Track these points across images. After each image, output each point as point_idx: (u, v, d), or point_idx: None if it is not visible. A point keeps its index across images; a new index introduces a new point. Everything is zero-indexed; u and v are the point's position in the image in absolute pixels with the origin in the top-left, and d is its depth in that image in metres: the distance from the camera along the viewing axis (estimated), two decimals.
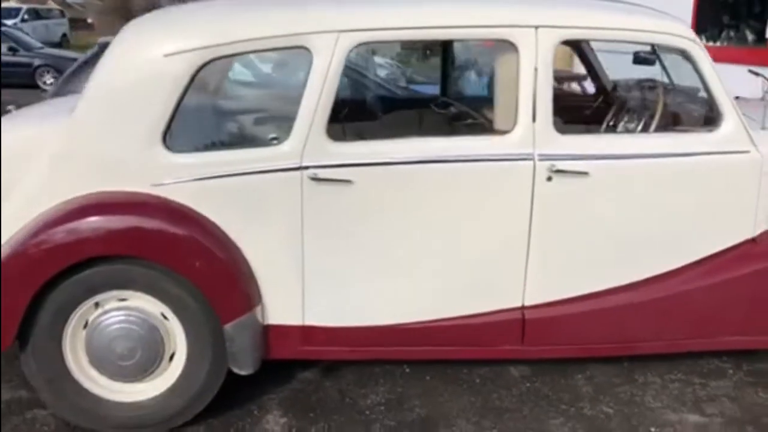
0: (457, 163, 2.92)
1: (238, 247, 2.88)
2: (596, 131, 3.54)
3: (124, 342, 2.87)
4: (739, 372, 3.52)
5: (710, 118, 3.14)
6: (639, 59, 3.49)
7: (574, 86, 6.77)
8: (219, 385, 2.98)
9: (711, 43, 8.74)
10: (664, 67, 3.63)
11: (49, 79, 14.81)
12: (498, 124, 3.03)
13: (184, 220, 2.84)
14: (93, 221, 2.79)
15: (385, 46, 9.63)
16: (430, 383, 3.39)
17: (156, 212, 2.83)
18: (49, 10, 27.36)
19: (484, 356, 3.25)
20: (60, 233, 2.77)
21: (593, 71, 4.27)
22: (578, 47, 4.18)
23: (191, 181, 2.84)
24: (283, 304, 2.97)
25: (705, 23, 8.96)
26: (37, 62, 15.70)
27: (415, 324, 3.02)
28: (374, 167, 2.87)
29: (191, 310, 2.86)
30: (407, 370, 3.49)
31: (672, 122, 3.29)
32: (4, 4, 23.15)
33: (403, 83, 8.17)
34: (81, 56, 14.99)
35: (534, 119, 2.91)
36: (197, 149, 2.97)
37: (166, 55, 2.78)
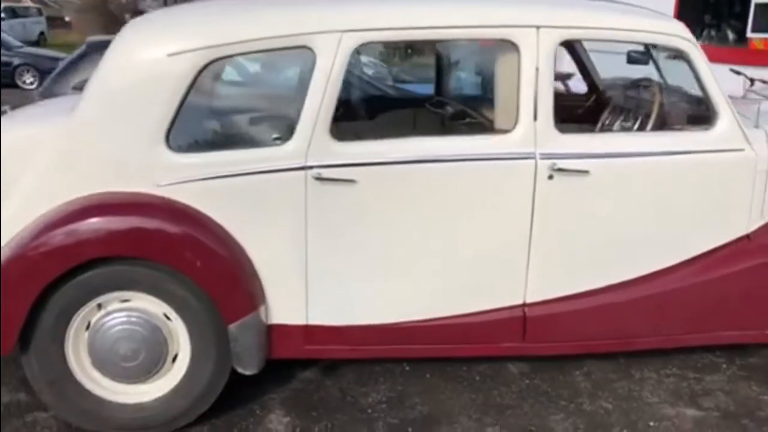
0: (459, 162, 2.94)
1: (242, 247, 2.88)
2: (591, 130, 3.58)
3: (127, 343, 2.86)
4: (733, 366, 3.58)
5: (706, 117, 3.19)
6: (633, 59, 3.54)
7: (558, 85, 6.84)
8: (222, 386, 2.97)
9: None
10: (657, 67, 3.69)
11: (29, 78, 14.63)
12: (499, 124, 3.06)
13: (187, 220, 2.83)
14: (95, 222, 2.77)
15: (370, 46, 9.63)
16: (430, 381, 3.41)
17: (159, 213, 2.82)
18: (26, 8, 27.04)
19: (486, 354, 3.28)
20: (61, 235, 2.75)
21: (585, 70, 4.31)
22: (571, 47, 4.22)
23: (194, 181, 2.83)
24: (287, 304, 2.97)
25: (686, 22, 9.03)
26: (16, 61, 15.49)
27: (419, 322, 3.04)
28: (378, 167, 2.88)
29: (195, 311, 2.86)
30: (407, 368, 3.51)
31: (668, 121, 3.34)
32: None
33: (390, 82, 8.18)
34: (64, 56, 14.88)
35: (535, 118, 2.94)
36: (200, 149, 2.96)
37: (169, 55, 2.78)
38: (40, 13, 27.29)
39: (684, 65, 3.17)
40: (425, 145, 2.96)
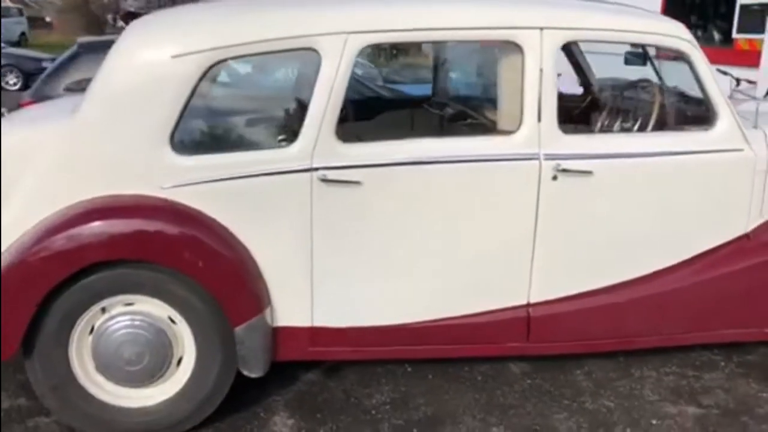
0: (464, 163, 2.95)
1: (247, 249, 2.87)
2: (590, 131, 3.60)
3: (131, 347, 2.84)
4: (731, 364, 3.62)
5: (705, 117, 3.22)
6: (630, 60, 3.57)
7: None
8: (228, 389, 2.96)
9: None
10: (654, 68, 3.72)
11: (12, 79, 14.46)
12: (502, 125, 3.07)
13: (192, 222, 2.82)
14: (97, 226, 2.75)
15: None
16: (433, 382, 3.41)
17: (163, 215, 2.81)
18: (7, 8, 26.73)
19: (490, 354, 3.29)
20: (63, 240, 2.72)
21: (581, 71, 4.33)
22: (567, 47, 4.24)
23: (199, 183, 2.82)
24: (292, 305, 2.97)
25: None
26: None
27: (424, 323, 3.05)
28: (383, 168, 2.88)
29: (200, 314, 2.84)
30: (409, 369, 3.51)
31: (668, 121, 3.37)
32: None
33: (380, 83, 8.18)
34: (47, 56, 14.73)
35: (539, 119, 2.96)
36: (205, 151, 2.94)
37: (173, 57, 2.76)
38: (21, 13, 27.01)
39: (679, 66, 3.20)
40: (430, 147, 2.97)
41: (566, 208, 3.04)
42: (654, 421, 3.14)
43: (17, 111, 3.68)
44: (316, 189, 2.85)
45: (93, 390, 2.89)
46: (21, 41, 24.55)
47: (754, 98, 4.90)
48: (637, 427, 3.09)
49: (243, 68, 4.08)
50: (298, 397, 3.28)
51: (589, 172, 3.00)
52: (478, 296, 3.08)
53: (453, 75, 4.32)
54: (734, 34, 8.66)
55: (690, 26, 9.67)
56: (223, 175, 2.82)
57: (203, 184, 2.82)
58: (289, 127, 2.90)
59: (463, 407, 3.22)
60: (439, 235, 3.00)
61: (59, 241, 2.73)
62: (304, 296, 2.96)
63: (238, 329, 2.84)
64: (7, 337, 2.72)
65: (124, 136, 2.80)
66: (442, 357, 3.37)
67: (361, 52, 2.89)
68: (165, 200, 2.82)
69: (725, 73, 5.02)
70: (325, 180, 2.84)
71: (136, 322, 2.85)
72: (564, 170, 2.98)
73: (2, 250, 2.82)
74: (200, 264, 2.78)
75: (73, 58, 6.20)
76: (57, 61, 6.44)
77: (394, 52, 18.62)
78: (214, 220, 2.84)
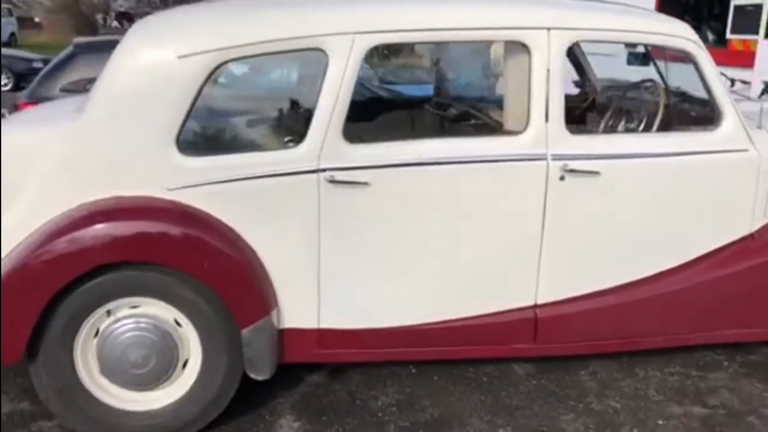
0: (471, 163, 2.94)
1: (254, 250, 2.85)
2: (597, 131, 3.60)
3: (136, 350, 2.81)
4: (734, 364, 3.62)
5: (710, 118, 3.23)
6: (633, 60, 3.57)
7: None
8: (234, 391, 2.94)
9: None
10: (657, 68, 3.72)
11: (3, 79, 14.35)
12: (510, 125, 3.07)
13: (198, 223, 2.79)
14: (102, 228, 2.72)
15: None
16: (438, 383, 3.40)
17: (169, 216, 2.78)
18: None
19: (497, 355, 3.28)
20: (68, 242, 2.69)
21: (583, 72, 4.33)
22: (569, 48, 4.23)
23: (206, 184, 2.79)
24: (299, 307, 2.95)
25: None
26: None
27: (431, 324, 3.03)
28: (391, 169, 2.87)
29: (206, 316, 2.82)
30: (413, 370, 3.50)
31: (672, 122, 3.37)
32: None
33: (376, 83, 8.17)
34: (37, 57, 14.62)
35: (546, 120, 2.95)
36: (211, 152, 2.91)
37: (179, 57, 2.73)
38: (10, 13, 26.79)
39: (683, 67, 3.20)
40: (438, 147, 2.96)
41: (573, 208, 3.03)
42: (660, 422, 3.14)
43: (18, 113, 3.63)
44: (324, 190, 2.83)
45: (98, 393, 2.86)
46: (11, 42, 24.38)
47: (748, 99, 4.93)
48: (644, 427, 3.09)
49: (250, 68, 4.06)
50: (304, 399, 3.26)
51: (596, 173, 3.00)
52: (485, 297, 3.07)
53: (455, 75, 4.31)
54: (728, 35, 8.70)
55: None
56: (230, 177, 2.80)
57: (209, 186, 2.80)
58: (296, 128, 2.88)
59: (469, 409, 3.21)
60: (446, 236, 2.99)
61: (64, 243, 2.70)
62: (311, 298, 2.94)
63: (245, 331, 2.82)
64: (12, 341, 2.69)
65: (130, 137, 2.77)
66: (450, 358, 3.36)
67: (368, 53, 2.87)
68: (171, 202, 2.80)
69: (720, 74, 5.04)
70: (332, 181, 2.83)
71: (142, 325, 2.82)
72: (571, 170, 2.97)
73: (6, 253, 2.78)
74: (206, 265, 2.76)
75: (68, 59, 6.15)
76: (53, 62, 6.38)
77: (386, 52, 18.60)
78: (220, 222, 2.82)
